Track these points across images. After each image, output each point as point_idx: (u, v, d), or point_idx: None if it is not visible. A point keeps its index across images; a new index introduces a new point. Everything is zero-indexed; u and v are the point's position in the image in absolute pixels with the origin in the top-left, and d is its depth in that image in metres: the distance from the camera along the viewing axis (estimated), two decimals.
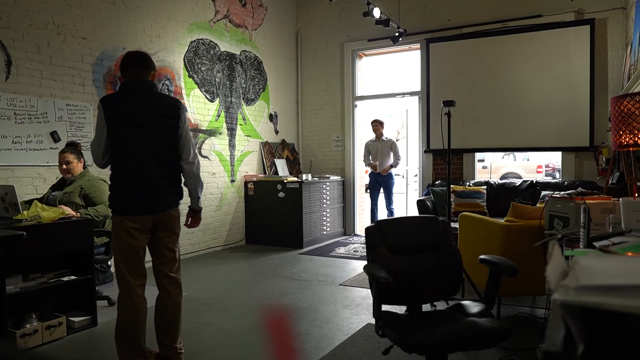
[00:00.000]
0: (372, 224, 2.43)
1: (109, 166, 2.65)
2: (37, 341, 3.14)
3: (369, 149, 7.06)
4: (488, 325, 2.01)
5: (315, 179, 6.93)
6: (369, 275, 2.15)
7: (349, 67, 7.59)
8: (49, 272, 3.36)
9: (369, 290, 4.25)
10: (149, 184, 2.57)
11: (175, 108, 2.67)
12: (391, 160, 6.87)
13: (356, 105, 7.64)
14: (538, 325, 3.35)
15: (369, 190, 7.09)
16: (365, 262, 5.01)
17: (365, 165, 7.19)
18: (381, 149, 6.88)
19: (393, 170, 6.95)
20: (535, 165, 13.66)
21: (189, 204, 2.82)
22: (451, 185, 5.20)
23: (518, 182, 6.20)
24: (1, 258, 2.88)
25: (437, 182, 6.67)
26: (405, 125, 8.49)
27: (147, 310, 2.68)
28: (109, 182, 2.67)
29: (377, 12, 5.91)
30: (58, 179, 4.07)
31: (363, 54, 7.75)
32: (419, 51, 7.08)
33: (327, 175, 7.28)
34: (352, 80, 7.60)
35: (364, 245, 6.49)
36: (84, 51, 4.77)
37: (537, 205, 4.48)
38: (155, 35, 5.53)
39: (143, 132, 2.55)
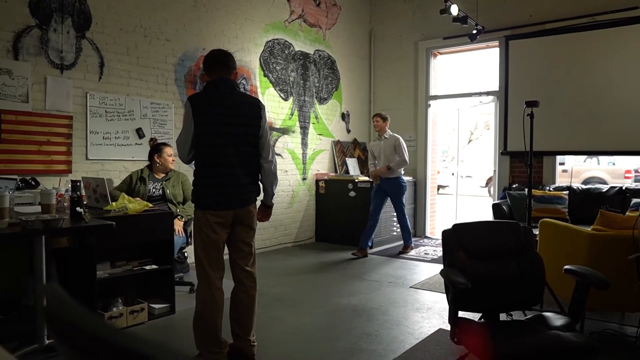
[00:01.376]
0: (450, 227, 2.35)
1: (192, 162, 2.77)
2: (121, 324, 3.33)
3: (372, 150, 6.21)
4: (574, 341, 1.89)
5: None
6: (445, 280, 2.09)
7: (423, 66, 7.43)
8: (133, 261, 3.57)
9: (441, 294, 4.16)
10: (232, 181, 2.66)
11: (257, 108, 2.76)
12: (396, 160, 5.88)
13: (430, 105, 7.47)
14: (628, 344, 3.10)
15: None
16: (436, 265, 4.88)
17: (369, 172, 6.25)
18: (383, 149, 5.96)
19: (402, 175, 6.05)
20: (622, 170, 12.67)
21: (262, 199, 2.91)
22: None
23: (604, 188, 5.78)
24: (94, 245, 3.10)
25: (514, 186, 6.37)
26: (476, 126, 8.14)
27: (224, 302, 2.77)
28: (193, 178, 2.78)
29: (454, 10, 5.74)
30: (140, 172, 4.28)
31: (438, 52, 7.56)
32: (497, 49, 6.79)
33: None
34: (426, 79, 7.44)
35: (435, 248, 6.34)
36: (168, 52, 5.01)
37: (628, 213, 4.15)
38: (232, 36, 5.71)
39: (228, 131, 2.63)
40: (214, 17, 5.49)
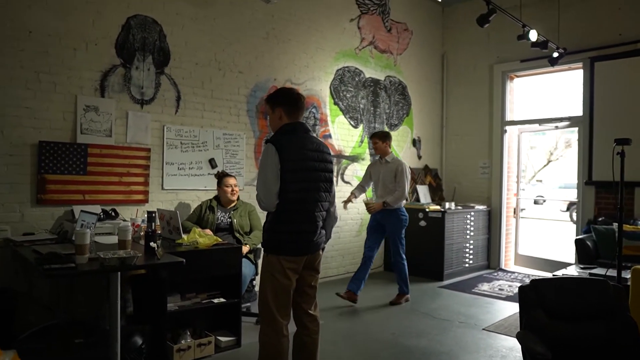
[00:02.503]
0: (527, 283, 2.17)
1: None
2: (189, 356, 3.39)
3: (369, 172, 5.25)
4: None
5: (459, 207, 6.60)
6: (522, 347, 1.91)
7: (498, 90, 7.14)
8: (201, 293, 3.64)
9: (516, 340, 3.88)
10: (311, 227, 2.65)
11: (329, 154, 2.78)
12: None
13: (506, 131, 7.14)
14: None
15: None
16: (512, 304, 4.57)
17: (354, 198, 5.15)
18: (383, 175, 4.97)
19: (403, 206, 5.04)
20: None
21: None
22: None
23: None
24: (165, 280, 3.19)
25: (599, 219, 5.89)
26: (556, 145, 7.63)
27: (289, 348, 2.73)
28: (268, 223, 2.71)
29: (533, 35, 5.45)
30: (209, 202, 4.41)
31: (515, 75, 7.23)
32: (580, 71, 6.38)
33: (471, 204, 6.89)
34: (502, 104, 7.12)
35: (511, 283, 5.99)
36: (240, 84, 5.16)
37: None
38: (303, 66, 5.78)
39: (310, 177, 2.64)
40: (285, 48, 5.59)
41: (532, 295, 2.11)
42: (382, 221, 4.98)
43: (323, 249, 2.87)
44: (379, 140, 5.01)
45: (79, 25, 4.10)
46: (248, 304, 4.46)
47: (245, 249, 4.11)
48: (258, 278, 4.56)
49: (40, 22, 3.90)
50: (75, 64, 4.09)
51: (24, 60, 3.84)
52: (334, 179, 2.87)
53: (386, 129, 6.81)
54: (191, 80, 4.76)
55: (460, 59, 7.58)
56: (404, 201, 5.01)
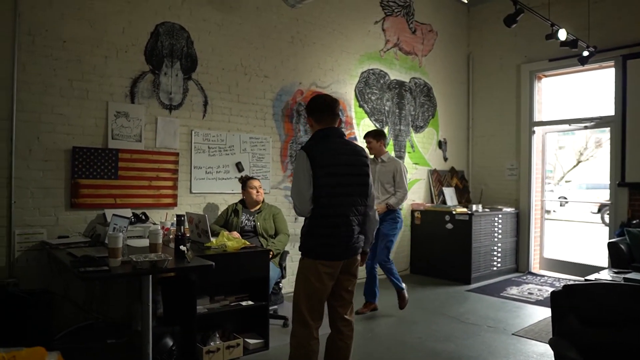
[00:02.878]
0: (560, 288, 2.14)
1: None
2: (218, 358, 3.44)
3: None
4: None
5: (486, 210, 6.51)
6: (555, 354, 1.88)
7: (525, 90, 7.01)
8: (230, 296, 3.68)
9: (548, 345, 3.81)
10: (347, 232, 2.64)
11: (364, 157, 2.78)
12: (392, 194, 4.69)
13: (534, 132, 7.01)
14: None
15: None
16: (542, 309, 4.48)
17: None
18: (380, 175, 4.72)
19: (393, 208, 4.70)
20: None
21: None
22: None
23: None
24: (194, 282, 3.24)
25: (634, 222, 5.73)
26: (586, 145, 7.46)
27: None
28: (306, 228, 2.72)
29: (562, 34, 5.34)
30: (235, 206, 4.47)
31: (543, 75, 7.10)
32: (612, 69, 6.23)
33: (499, 207, 6.79)
34: (530, 104, 7.00)
35: (540, 287, 5.88)
36: (266, 88, 5.21)
37: None
38: (328, 69, 5.80)
39: (345, 182, 2.64)
40: (310, 51, 5.62)
41: (564, 301, 2.07)
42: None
43: (366, 253, 2.87)
44: (373, 139, 4.74)
45: (110, 34, 4.20)
46: (275, 307, 4.49)
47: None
48: (284, 281, 4.64)
49: (74, 32, 4.02)
50: (106, 71, 4.19)
51: (58, 69, 3.96)
52: (372, 184, 2.84)
53: (411, 131, 6.78)
54: (218, 85, 4.83)
55: (486, 59, 7.49)
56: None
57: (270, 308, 4.16)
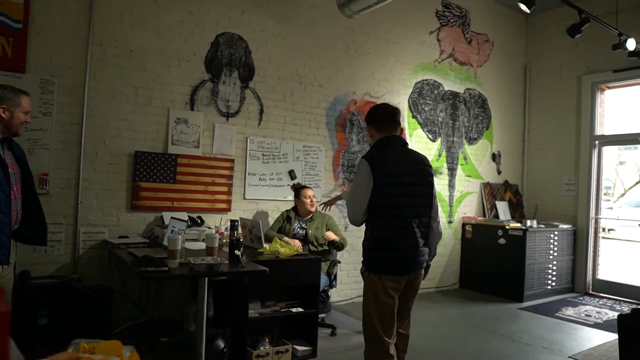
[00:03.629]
0: (627, 311, 2.04)
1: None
2: None
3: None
4: None
5: (542, 226, 6.29)
6: None
7: (587, 102, 6.74)
8: (280, 302, 3.73)
9: None
10: (412, 245, 2.55)
11: (428, 166, 2.70)
12: None
13: (595, 145, 6.73)
14: None
15: None
16: (600, 332, 4.27)
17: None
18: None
19: None
20: None
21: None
22: None
23: None
24: (248, 287, 3.31)
25: None
26: None
27: None
28: (367, 241, 2.65)
29: (631, 44, 5.11)
30: (287, 213, 4.50)
31: (606, 87, 6.81)
32: None
33: (555, 223, 6.55)
34: (591, 117, 6.72)
35: (599, 309, 5.60)
36: (320, 97, 5.27)
37: None
38: (382, 79, 5.80)
39: (408, 192, 2.56)
40: (365, 61, 5.64)
41: (634, 325, 1.97)
42: None
43: (429, 267, 2.77)
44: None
45: (173, 44, 4.39)
46: (322, 315, 4.50)
47: (332, 235, 4.19)
48: (332, 291, 4.65)
49: (140, 42, 4.22)
50: (168, 79, 4.37)
51: (124, 77, 4.17)
52: (436, 195, 2.77)
53: (465, 142, 6.66)
54: (274, 93, 4.94)
55: (544, 70, 7.27)
56: None
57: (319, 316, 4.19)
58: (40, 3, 3.82)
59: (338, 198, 4.23)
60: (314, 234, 4.35)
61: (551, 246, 6.28)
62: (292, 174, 5.01)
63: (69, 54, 3.93)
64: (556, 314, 5.35)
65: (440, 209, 6.22)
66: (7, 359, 0.63)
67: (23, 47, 3.76)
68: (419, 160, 2.68)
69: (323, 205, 4.19)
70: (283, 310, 3.68)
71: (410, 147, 2.77)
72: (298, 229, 4.40)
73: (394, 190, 2.53)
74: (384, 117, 2.68)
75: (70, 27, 3.94)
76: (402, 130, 2.77)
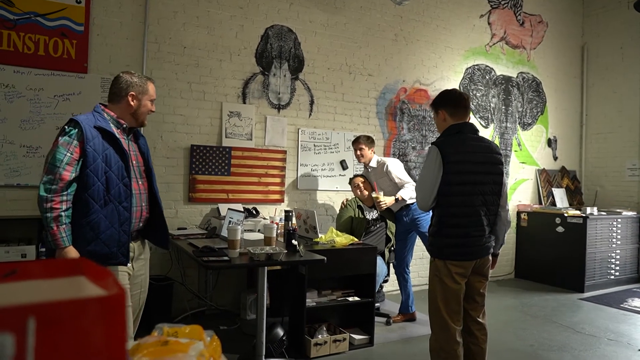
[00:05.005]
0: None
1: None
2: (325, 351, 3.51)
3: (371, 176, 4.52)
4: None
5: (603, 213, 6.02)
6: None
7: None
8: (337, 290, 3.75)
9: None
10: (479, 231, 2.54)
11: (499, 154, 2.66)
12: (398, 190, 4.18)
13: None
14: None
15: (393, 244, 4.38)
16: None
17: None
18: (377, 183, 4.32)
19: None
20: None
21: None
22: None
23: None
24: (305, 276, 3.35)
25: None
26: None
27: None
28: (434, 227, 2.62)
29: None
30: (354, 202, 4.41)
31: None
32: None
33: (618, 210, 6.25)
34: None
35: None
36: (370, 87, 5.23)
37: None
38: (432, 66, 5.69)
39: (477, 179, 2.54)
40: (413, 48, 5.55)
41: None
42: (412, 225, 4.23)
43: (497, 255, 2.75)
44: (366, 146, 4.31)
45: (224, 39, 4.46)
46: (377, 304, 4.50)
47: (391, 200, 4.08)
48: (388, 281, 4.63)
49: (193, 39, 4.32)
50: (220, 74, 4.46)
51: (179, 73, 4.28)
52: (506, 183, 2.72)
53: (518, 128, 6.45)
54: (323, 84, 4.94)
55: (604, 49, 6.91)
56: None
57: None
58: (100, 5, 3.98)
59: (395, 200, 4.12)
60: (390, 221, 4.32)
61: (614, 234, 6.01)
62: (343, 164, 5.02)
63: (126, 53, 4.08)
64: (621, 305, 5.12)
65: None
66: (126, 339, 0.66)
67: (85, 48, 3.92)
68: (490, 148, 2.62)
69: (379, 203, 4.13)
70: (339, 299, 3.71)
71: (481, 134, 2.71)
72: (372, 217, 4.31)
73: (463, 178, 2.51)
74: (459, 102, 2.62)
75: (127, 27, 4.08)
76: (469, 117, 2.69)
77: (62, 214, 2.12)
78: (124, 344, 0.67)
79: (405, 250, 4.35)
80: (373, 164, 4.34)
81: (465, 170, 2.51)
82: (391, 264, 4.40)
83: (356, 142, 4.35)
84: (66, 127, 2.20)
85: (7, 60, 3.66)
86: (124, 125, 2.38)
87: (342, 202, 4.46)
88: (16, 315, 0.57)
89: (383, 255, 4.23)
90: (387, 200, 4.09)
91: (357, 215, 4.30)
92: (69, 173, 2.13)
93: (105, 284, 0.75)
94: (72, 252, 2.14)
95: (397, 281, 4.43)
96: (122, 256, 2.26)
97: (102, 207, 2.20)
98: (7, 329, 0.54)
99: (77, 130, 2.17)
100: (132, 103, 2.36)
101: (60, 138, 2.16)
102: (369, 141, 4.35)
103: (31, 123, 3.74)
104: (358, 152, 4.33)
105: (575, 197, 6.90)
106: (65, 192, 2.13)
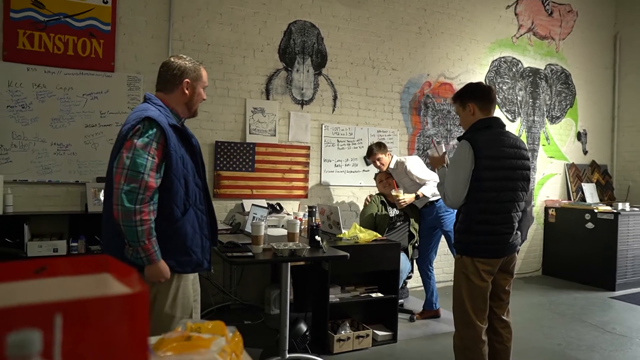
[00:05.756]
0: None
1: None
2: (348, 347, 3.52)
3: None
4: None
5: (635, 209, 5.85)
6: None
7: None
8: (360, 287, 3.75)
9: None
10: (508, 228, 2.51)
11: (526, 150, 2.61)
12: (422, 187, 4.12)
13: None
14: None
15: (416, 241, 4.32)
16: None
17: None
18: (398, 180, 4.31)
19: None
20: None
21: None
22: None
23: None
24: (328, 272, 3.36)
25: None
26: None
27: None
28: (462, 224, 2.57)
29: None
30: (379, 198, 4.34)
31: None
32: None
33: None
34: None
35: None
36: (393, 81, 5.19)
37: None
38: (457, 59, 5.61)
39: (508, 175, 2.50)
40: (438, 41, 5.48)
41: None
42: (437, 222, 4.18)
43: (518, 251, 2.70)
44: (383, 154, 4.24)
45: (247, 35, 4.49)
46: (401, 301, 4.48)
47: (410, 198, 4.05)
48: (410, 278, 4.60)
49: (217, 35, 4.36)
50: (244, 70, 4.48)
51: None
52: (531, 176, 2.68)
53: (546, 121, 6.31)
54: (347, 79, 4.93)
55: (638, 39, 6.69)
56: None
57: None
58: (126, 5, 4.05)
59: (416, 197, 4.09)
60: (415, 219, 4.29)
61: None
62: (367, 160, 4.99)
63: (152, 51, 4.14)
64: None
65: None
66: (148, 335, 0.68)
67: (112, 47, 4.00)
68: (517, 144, 2.57)
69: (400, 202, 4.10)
70: (363, 295, 3.70)
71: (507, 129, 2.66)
72: (393, 213, 4.25)
73: (493, 174, 2.46)
74: (488, 96, 2.57)
75: (152, 26, 4.14)
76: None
77: (152, 225, 1.92)
78: (146, 339, 0.68)
79: (429, 247, 4.32)
80: (392, 165, 4.28)
81: (497, 166, 2.47)
82: (414, 260, 4.37)
83: (371, 155, 4.29)
84: (140, 126, 1.93)
85: (38, 61, 3.76)
86: (183, 119, 2.20)
87: (366, 199, 4.44)
88: (44, 312, 0.59)
89: (406, 252, 4.21)
90: (406, 198, 4.07)
91: (380, 212, 4.27)
92: (154, 180, 1.91)
93: (129, 281, 0.77)
94: (165, 267, 1.98)
95: (420, 278, 4.40)
96: (207, 262, 2.16)
97: (185, 213, 2.03)
98: (35, 325, 0.56)
99: (155, 130, 1.94)
100: (186, 91, 2.13)
101: (136, 140, 1.91)
102: (382, 148, 4.27)
103: (61, 122, 3.84)
104: (377, 164, 4.27)
105: (607, 193, 6.72)
106: (153, 202, 1.93)
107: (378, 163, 4.27)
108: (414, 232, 4.24)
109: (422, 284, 4.41)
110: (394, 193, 4.11)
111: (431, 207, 4.19)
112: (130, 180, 1.87)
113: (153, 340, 0.98)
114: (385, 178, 4.34)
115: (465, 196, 2.51)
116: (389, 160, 4.27)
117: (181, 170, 2.01)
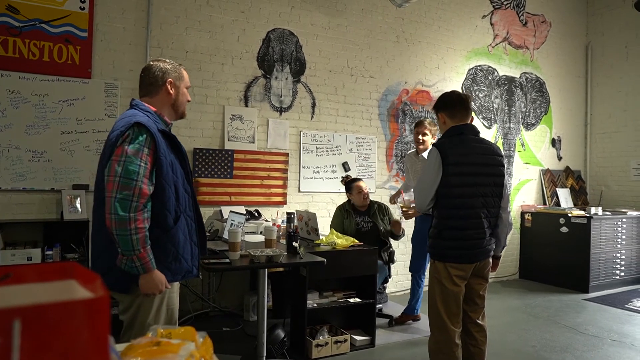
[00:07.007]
0: None
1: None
2: (326, 352, 3.54)
3: (407, 165, 4.36)
4: None
5: (607, 213, 6.00)
6: None
7: None
8: (338, 292, 3.77)
9: None
10: (479, 234, 2.54)
11: (500, 156, 2.64)
12: None
13: None
14: None
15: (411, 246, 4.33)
16: None
17: (391, 202, 4.61)
18: (419, 172, 3.96)
19: None
20: None
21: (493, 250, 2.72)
22: None
23: None
24: (305, 277, 3.38)
25: None
26: None
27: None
28: (434, 229, 2.61)
29: None
30: (345, 207, 4.40)
31: None
32: None
33: (623, 210, 6.22)
34: None
35: None
36: (372, 89, 5.25)
37: None
38: (434, 67, 5.70)
39: (478, 181, 2.53)
40: (415, 50, 5.56)
41: None
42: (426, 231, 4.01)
43: (499, 257, 2.75)
44: (430, 133, 3.94)
45: (226, 43, 4.50)
46: (380, 306, 4.52)
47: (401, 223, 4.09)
48: (390, 281, 4.64)
49: (195, 43, 4.37)
50: (223, 78, 4.50)
51: None
52: (507, 185, 2.72)
53: (522, 128, 6.45)
54: (325, 87, 4.97)
55: (608, 49, 6.89)
56: None
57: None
58: (103, 12, 4.03)
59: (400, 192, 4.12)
60: (383, 227, 4.27)
61: (619, 234, 5.98)
62: (345, 166, 5.04)
63: (129, 58, 4.13)
64: (626, 306, 5.10)
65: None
66: (109, 340, 0.69)
67: (89, 54, 3.98)
68: (491, 150, 2.61)
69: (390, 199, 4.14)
70: (341, 300, 3.73)
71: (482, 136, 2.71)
72: (363, 223, 4.30)
73: (463, 180, 2.51)
74: (457, 105, 2.61)
75: (130, 33, 4.13)
76: (472, 118, 2.69)
77: (147, 233, 1.87)
78: (107, 345, 0.70)
79: (424, 255, 4.16)
80: (425, 154, 3.90)
81: (465, 171, 2.51)
82: (391, 265, 4.41)
83: (420, 125, 3.96)
84: (130, 132, 1.90)
85: (12, 67, 3.73)
86: (170, 124, 2.15)
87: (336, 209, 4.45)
88: (2, 317, 0.60)
89: (381, 257, 4.24)
90: (411, 211, 3.50)
91: (347, 218, 4.33)
92: (147, 186, 1.88)
93: (93, 287, 0.78)
94: (161, 276, 1.94)
95: (410, 284, 4.39)
96: (196, 269, 2.13)
97: (176, 219, 2.01)
98: None
99: (145, 136, 1.90)
100: (171, 91, 2.10)
101: (127, 147, 1.87)
102: (434, 126, 3.92)
103: (36, 128, 3.80)
104: (420, 137, 3.96)
105: (580, 197, 6.87)
106: (146, 209, 1.89)
107: (420, 138, 3.96)
108: (383, 238, 4.25)
109: (401, 289, 4.46)
110: (400, 204, 3.84)
111: (430, 216, 4.12)
112: (123, 188, 1.84)
113: (122, 346, 0.99)
114: (365, 187, 4.33)
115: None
116: (429, 145, 3.92)
117: (171, 176, 1.98)
